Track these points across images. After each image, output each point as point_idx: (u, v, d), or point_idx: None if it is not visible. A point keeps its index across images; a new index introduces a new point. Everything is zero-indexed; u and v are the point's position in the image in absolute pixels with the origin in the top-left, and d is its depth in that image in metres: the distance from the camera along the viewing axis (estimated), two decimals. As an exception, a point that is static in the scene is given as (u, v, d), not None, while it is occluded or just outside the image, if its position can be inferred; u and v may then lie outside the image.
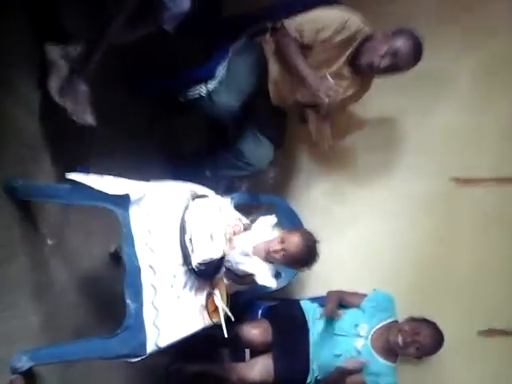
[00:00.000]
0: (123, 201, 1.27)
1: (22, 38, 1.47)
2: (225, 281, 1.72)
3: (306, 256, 1.65)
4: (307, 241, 1.65)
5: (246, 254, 1.64)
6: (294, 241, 1.62)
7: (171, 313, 1.38)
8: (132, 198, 1.27)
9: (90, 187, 1.27)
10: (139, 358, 1.28)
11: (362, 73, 1.95)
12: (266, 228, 1.70)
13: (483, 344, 2.21)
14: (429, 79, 2.24)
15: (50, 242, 1.54)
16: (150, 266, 1.31)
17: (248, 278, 1.70)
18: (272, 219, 1.71)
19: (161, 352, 1.35)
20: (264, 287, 1.68)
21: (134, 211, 1.29)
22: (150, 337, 1.29)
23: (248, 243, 1.65)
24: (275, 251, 1.61)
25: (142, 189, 1.33)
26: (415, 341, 1.84)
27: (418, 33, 1.87)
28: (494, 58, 2.24)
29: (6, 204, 1.39)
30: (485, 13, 2.23)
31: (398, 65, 1.87)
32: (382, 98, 2.24)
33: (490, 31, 2.23)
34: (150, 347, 1.29)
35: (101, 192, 1.26)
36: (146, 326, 1.28)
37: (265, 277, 1.64)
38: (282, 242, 1.62)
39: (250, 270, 1.64)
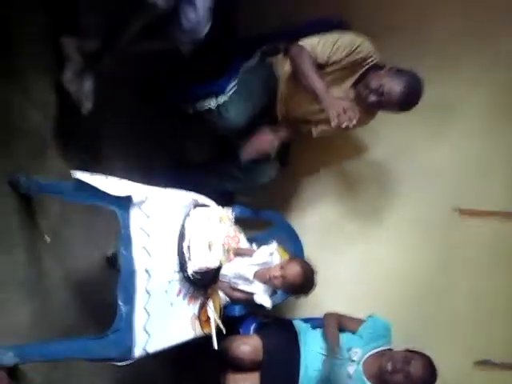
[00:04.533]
0: (125, 202, 1.27)
1: (38, 32, 1.49)
2: (220, 293, 1.73)
3: (303, 284, 1.79)
4: (305, 270, 1.78)
5: (246, 279, 1.79)
6: (293, 268, 1.77)
7: (163, 319, 1.36)
8: (134, 199, 1.27)
9: (93, 187, 1.28)
10: (126, 362, 1.26)
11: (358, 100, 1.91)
12: (266, 256, 1.83)
13: (479, 376, 2.16)
14: (437, 106, 2.20)
15: (47, 238, 1.53)
16: (146, 270, 1.29)
17: (244, 294, 1.82)
18: (273, 248, 1.85)
19: (149, 358, 1.32)
20: (259, 306, 1.81)
21: (134, 213, 1.29)
22: (139, 341, 1.26)
23: (249, 269, 1.79)
24: (275, 277, 1.75)
25: (145, 192, 1.33)
26: (405, 369, 1.78)
27: (421, 81, 1.81)
28: (506, 88, 2.20)
29: (8, 196, 1.39)
30: (502, 41, 2.18)
31: (383, 105, 1.84)
32: (387, 122, 2.15)
33: (502, 60, 2.19)
34: (138, 352, 1.27)
35: (104, 192, 1.27)
36: (136, 329, 1.26)
37: (262, 297, 1.80)
38: (282, 268, 1.77)
39: (248, 290, 1.79)
